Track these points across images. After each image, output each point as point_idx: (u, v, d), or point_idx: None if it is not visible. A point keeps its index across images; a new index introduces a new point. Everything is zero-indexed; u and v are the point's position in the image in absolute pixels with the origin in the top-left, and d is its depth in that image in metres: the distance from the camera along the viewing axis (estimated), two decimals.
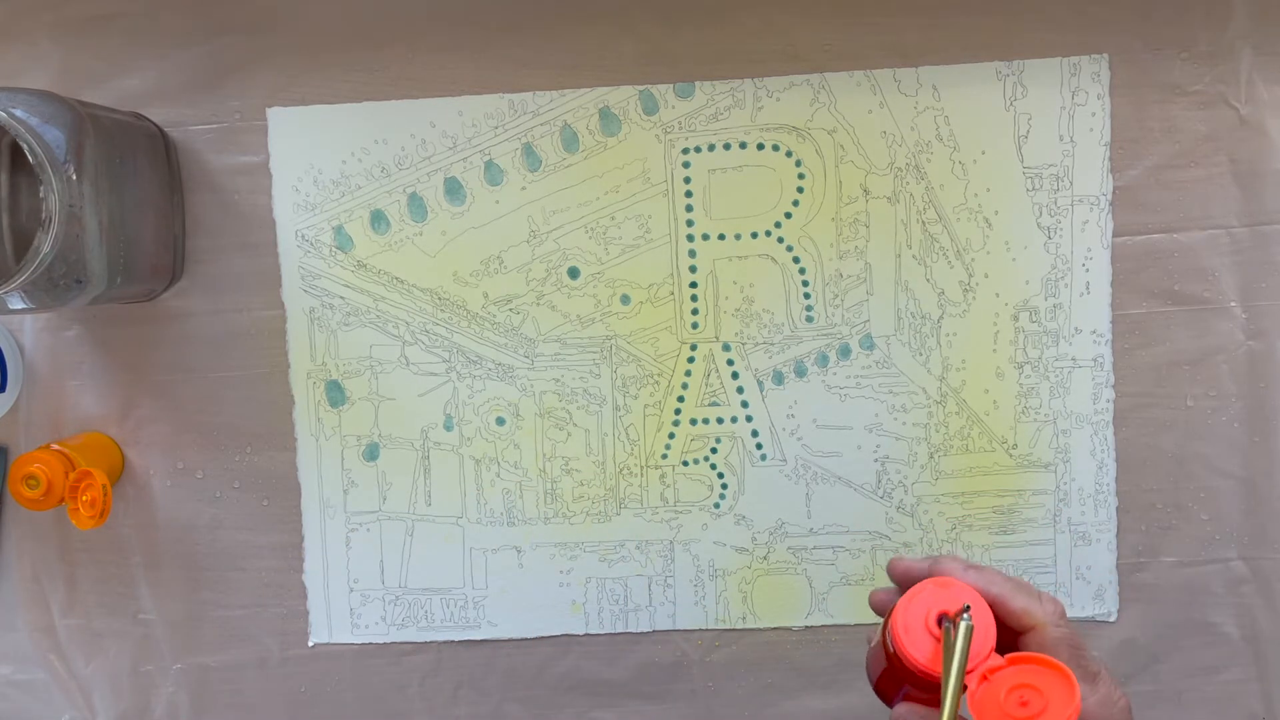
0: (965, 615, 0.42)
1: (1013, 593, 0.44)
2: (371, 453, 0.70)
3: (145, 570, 0.71)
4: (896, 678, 0.46)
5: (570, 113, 0.68)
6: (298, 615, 0.72)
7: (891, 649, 0.45)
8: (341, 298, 0.69)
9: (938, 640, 0.43)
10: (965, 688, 0.42)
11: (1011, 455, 0.69)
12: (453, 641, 0.72)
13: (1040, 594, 0.45)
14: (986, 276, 0.68)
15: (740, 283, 0.68)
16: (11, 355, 0.70)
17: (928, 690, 0.44)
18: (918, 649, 0.43)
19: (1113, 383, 0.68)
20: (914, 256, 0.68)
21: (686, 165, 0.68)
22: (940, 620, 0.43)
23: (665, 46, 0.67)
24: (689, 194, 0.68)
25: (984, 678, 0.42)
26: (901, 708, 0.46)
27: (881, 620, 0.49)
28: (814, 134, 0.67)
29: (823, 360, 0.69)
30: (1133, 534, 0.69)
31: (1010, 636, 0.45)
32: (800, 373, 0.69)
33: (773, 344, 0.69)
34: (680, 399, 0.69)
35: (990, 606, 0.44)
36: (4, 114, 0.54)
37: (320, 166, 0.68)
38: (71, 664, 0.72)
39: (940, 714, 0.41)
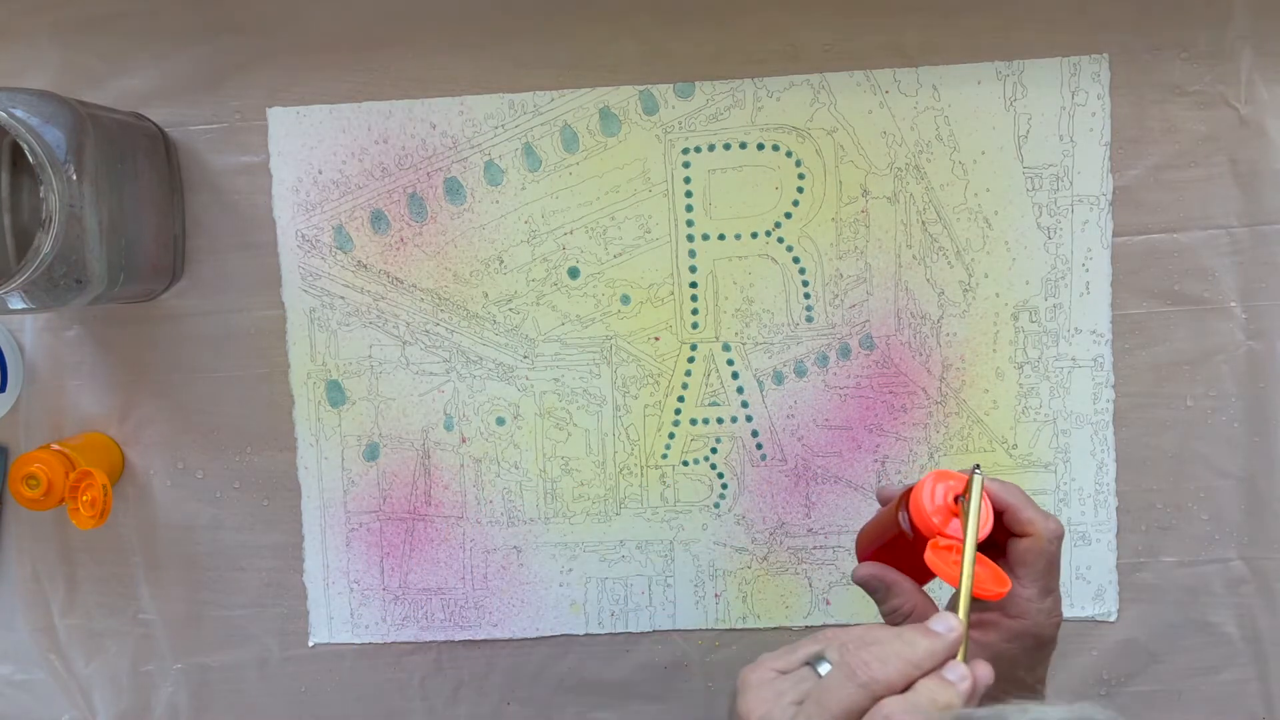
0: (978, 471, 0.50)
1: (1024, 504, 0.50)
2: (371, 453, 0.70)
3: (145, 570, 0.71)
4: (897, 545, 0.52)
5: (570, 113, 0.68)
6: (298, 615, 0.72)
7: (908, 519, 0.51)
8: (341, 298, 0.69)
9: (952, 513, 0.50)
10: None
11: (1011, 455, 0.69)
12: (453, 641, 0.72)
13: (1049, 515, 0.51)
14: (986, 276, 0.68)
15: (740, 283, 0.68)
16: (11, 355, 0.70)
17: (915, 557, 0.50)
18: (937, 516, 0.50)
19: (1113, 383, 0.68)
20: (914, 256, 0.68)
21: (686, 165, 0.68)
22: (956, 498, 0.50)
23: (665, 46, 0.67)
24: (689, 194, 0.68)
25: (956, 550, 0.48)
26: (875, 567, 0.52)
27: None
28: (814, 134, 0.67)
29: (823, 360, 0.69)
30: (1133, 534, 0.69)
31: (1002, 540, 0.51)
32: (800, 373, 0.69)
33: (773, 344, 0.69)
34: (680, 399, 0.69)
35: (1001, 511, 0.50)
36: (4, 114, 0.55)
37: (320, 166, 0.68)
38: (71, 664, 0.72)
39: (963, 550, 0.48)
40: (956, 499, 0.50)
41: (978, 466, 0.50)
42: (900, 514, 0.51)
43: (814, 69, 0.67)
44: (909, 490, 0.52)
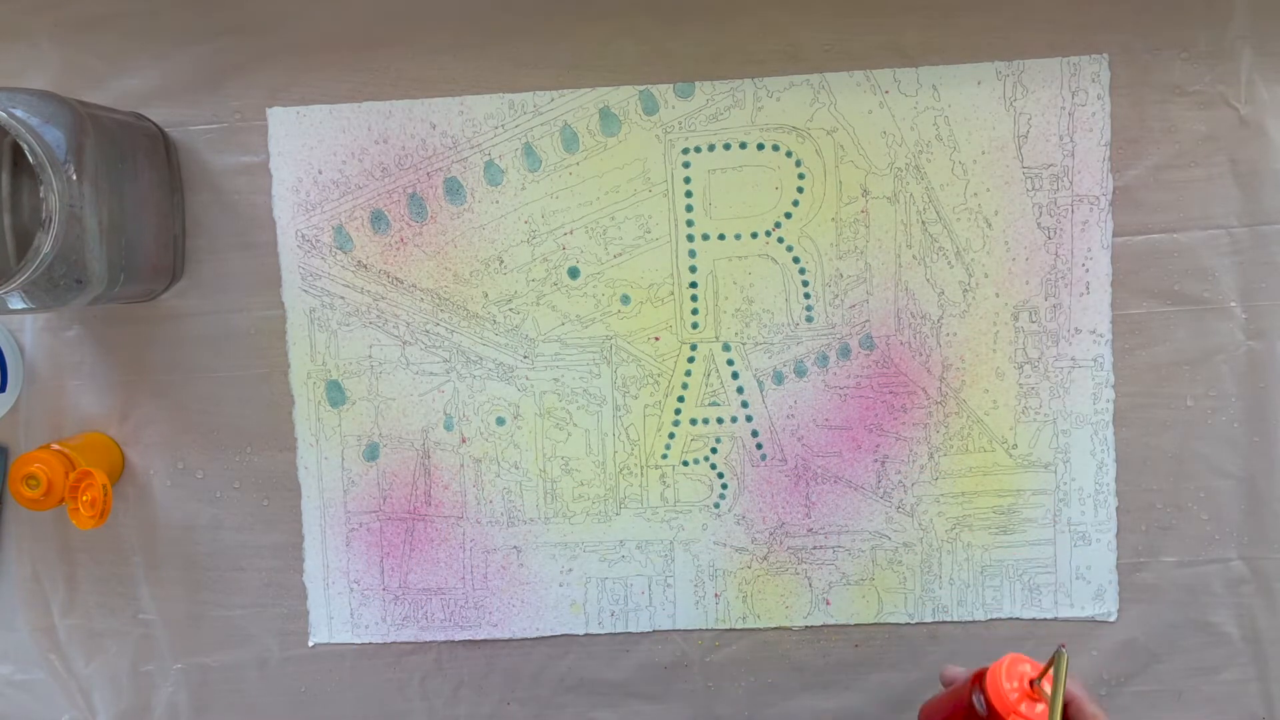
0: (1064, 649, 0.52)
1: (1089, 698, 0.54)
2: (371, 453, 0.70)
3: (145, 570, 0.71)
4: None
5: (570, 113, 0.68)
6: (298, 615, 0.72)
7: (983, 699, 0.54)
8: (341, 298, 0.69)
9: (1026, 695, 0.53)
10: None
11: (1011, 455, 0.69)
12: (453, 641, 0.72)
13: (1108, 712, 0.54)
14: (986, 276, 0.68)
15: (740, 283, 0.68)
16: (11, 355, 0.70)
17: None
18: (1014, 695, 0.53)
19: (1113, 383, 0.68)
20: (914, 256, 0.68)
21: (686, 165, 0.68)
22: (1031, 683, 0.53)
23: (665, 46, 0.67)
24: (689, 194, 0.68)
25: None
26: None
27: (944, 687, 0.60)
28: (814, 134, 0.67)
29: (823, 360, 0.69)
30: (1133, 534, 0.69)
31: None
32: (800, 373, 0.69)
33: (773, 344, 0.69)
34: (680, 399, 0.69)
35: (1067, 702, 0.53)
36: (4, 114, 0.55)
37: (320, 166, 0.68)
38: (71, 664, 0.72)
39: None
40: (1031, 683, 0.53)
41: (1063, 645, 0.53)
42: (975, 695, 0.55)
43: (814, 69, 0.67)
44: (982, 672, 0.55)
